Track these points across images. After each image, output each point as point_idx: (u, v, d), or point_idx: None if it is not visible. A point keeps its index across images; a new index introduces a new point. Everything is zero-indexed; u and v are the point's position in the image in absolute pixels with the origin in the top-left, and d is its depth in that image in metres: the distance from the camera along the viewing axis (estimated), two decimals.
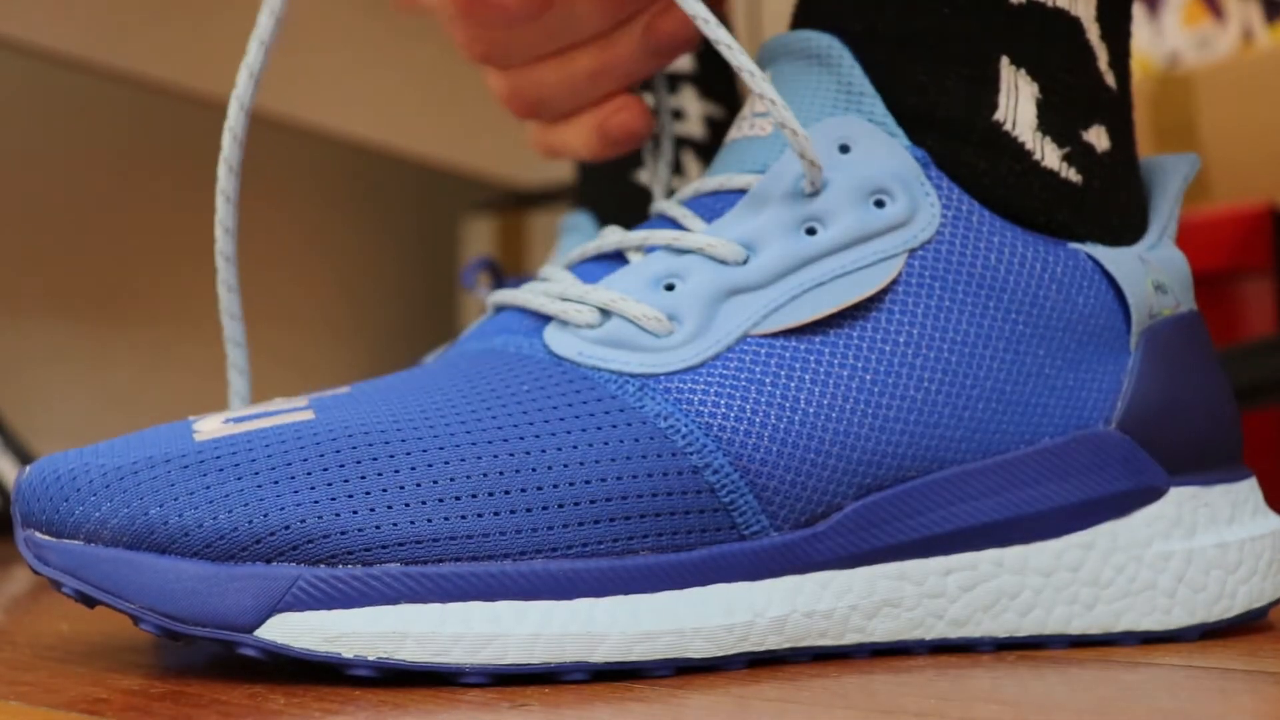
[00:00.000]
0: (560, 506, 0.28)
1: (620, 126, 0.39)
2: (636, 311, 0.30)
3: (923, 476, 0.30)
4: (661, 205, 0.33)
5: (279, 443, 0.28)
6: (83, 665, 0.29)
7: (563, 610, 0.27)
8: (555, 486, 0.28)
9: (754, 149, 0.33)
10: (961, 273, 0.31)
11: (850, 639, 0.30)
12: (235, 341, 0.34)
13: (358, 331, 1.30)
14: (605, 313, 0.31)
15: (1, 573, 0.55)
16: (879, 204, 0.31)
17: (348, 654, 0.26)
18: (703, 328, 0.30)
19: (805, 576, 0.29)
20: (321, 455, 0.27)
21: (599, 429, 0.28)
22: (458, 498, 0.27)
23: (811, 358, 0.30)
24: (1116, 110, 0.34)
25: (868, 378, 0.30)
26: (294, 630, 0.26)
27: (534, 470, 0.28)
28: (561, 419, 0.29)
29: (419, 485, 0.27)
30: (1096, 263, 0.32)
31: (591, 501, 0.28)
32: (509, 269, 1.24)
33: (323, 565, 0.26)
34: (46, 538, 0.27)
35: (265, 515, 0.26)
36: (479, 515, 0.27)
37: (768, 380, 0.30)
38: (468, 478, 0.28)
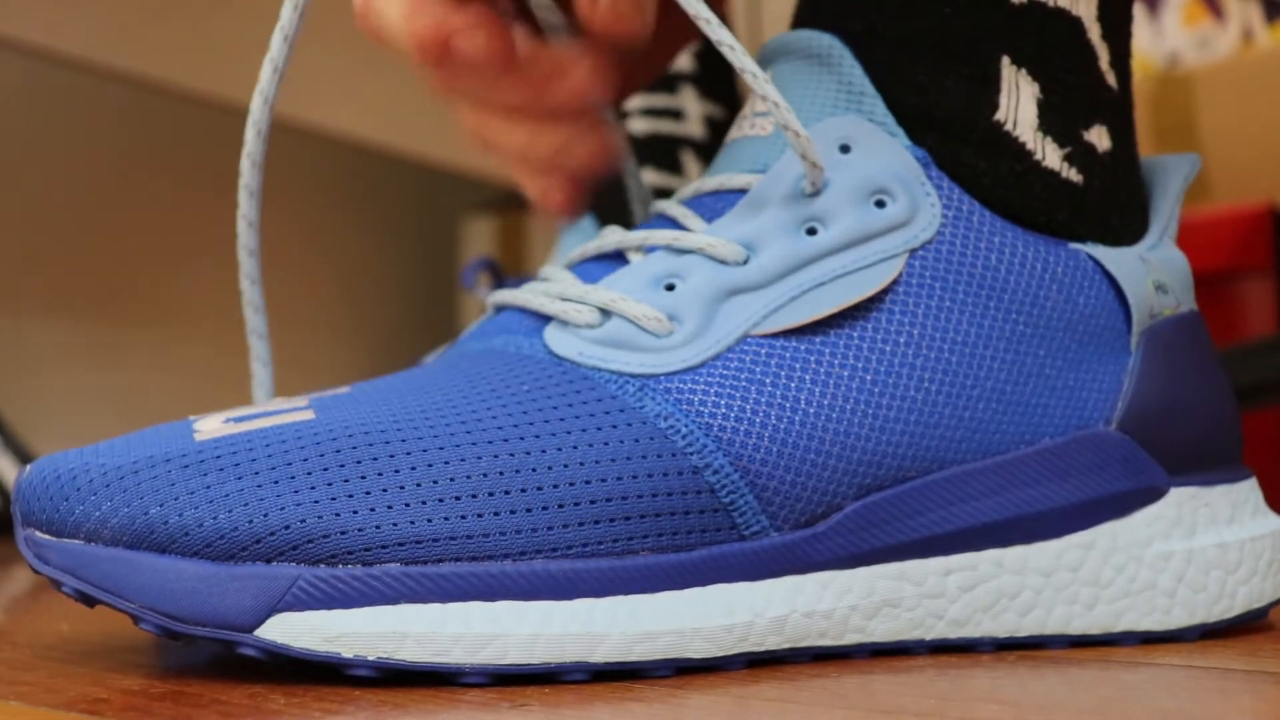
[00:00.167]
0: (560, 507, 0.28)
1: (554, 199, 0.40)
2: (637, 312, 0.30)
3: (923, 477, 0.30)
4: (662, 205, 0.33)
5: (279, 443, 0.28)
6: (83, 665, 0.29)
7: (563, 610, 0.27)
8: (555, 487, 0.28)
9: (754, 149, 0.33)
10: (962, 273, 0.31)
11: (850, 639, 0.30)
12: (258, 334, 0.35)
13: (358, 332, 1.30)
14: (605, 313, 0.31)
15: (1, 573, 0.55)
16: (879, 204, 0.31)
17: (347, 654, 0.26)
18: (703, 328, 0.30)
19: (805, 577, 0.29)
20: (322, 455, 0.27)
21: (599, 429, 0.28)
22: (458, 498, 0.27)
23: (812, 358, 0.30)
24: (1118, 110, 0.34)
25: (868, 378, 0.30)
26: (294, 630, 0.26)
27: (534, 470, 0.28)
28: (562, 419, 0.29)
29: (419, 485, 0.27)
30: (1097, 263, 0.32)
31: (591, 502, 0.28)
32: (509, 269, 1.24)
33: (323, 565, 0.26)
34: (47, 537, 0.27)
35: (265, 515, 0.26)
36: (479, 515, 0.27)
37: (768, 380, 0.30)
38: (468, 478, 0.28)
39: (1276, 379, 0.66)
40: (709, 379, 0.29)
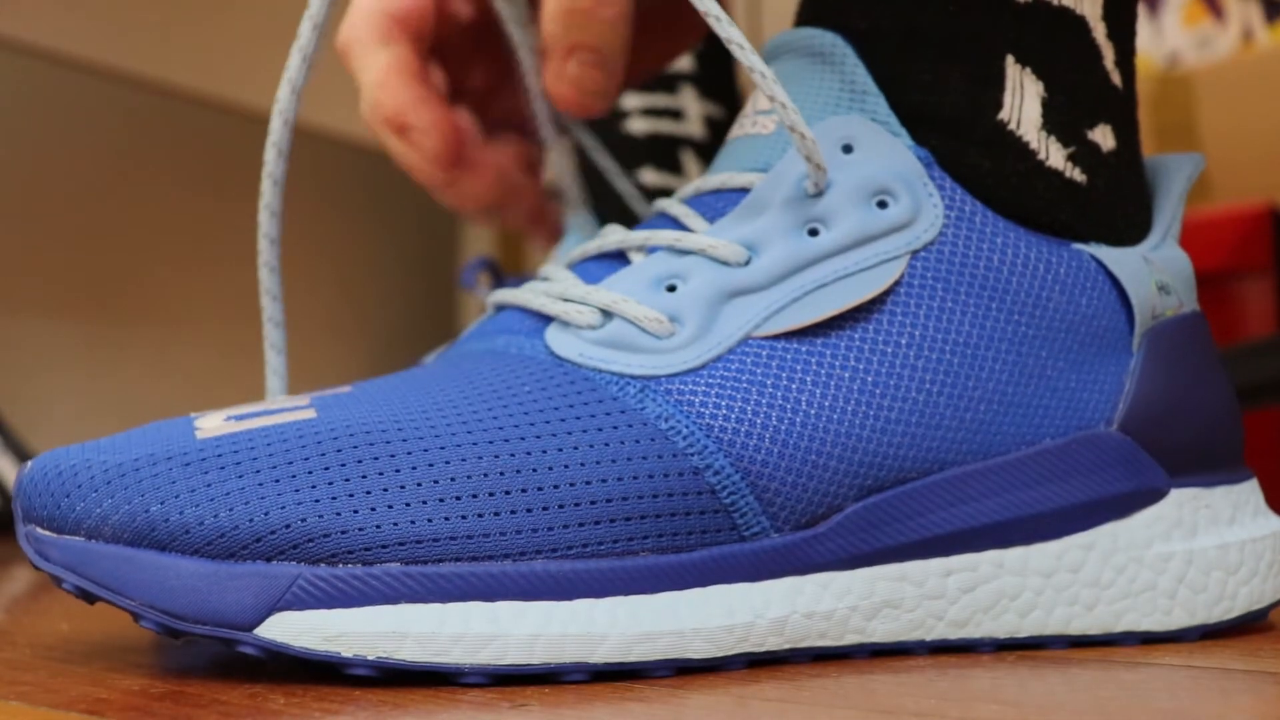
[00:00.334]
0: (561, 507, 0.28)
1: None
2: (638, 313, 0.30)
3: (924, 478, 0.30)
4: (663, 203, 0.33)
5: (280, 441, 0.28)
6: (83, 665, 0.29)
7: (563, 611, 0.27)
8: (556, 487, 0.28)
9: (756, 147, 0.33)
10: (964, 274, 0.31)
11: (850, 640, 0.30)
12: (275, 321, 0.35)
13: (358, 332, 1.30)
14: (607, 314, 0.31)
15: (2, 573, 0.55)
16: (882, 205, 0.31)
17: (347, 653, 0.26)
18: (704, 329, 0.30)
19: (805, 578, 0.29)
20: (323, 454, 0.27)
21: (600, 430, 0.28)
22: (458, 498, 0.27)
23: (813, 359, 0.30)
24: (1122, 109, 0.34)
25: (869, 379, 0.30)
26: (294, 629, 0.26)
27: (535, 471, 0.28)
28: (563, 420, 0.29)
29: (419, 485, 0.27)
30: (1100, 263, 0.32)
31: (592, 502, 0.28)
32: (509, 269, 1.24)
33: (323, 564, 0.26)
34: (48, 533, 0.27)
35: (266, 514, 0.26)
36: (479, 515, 0.27)
37: (769, 382, 0.30)
38: (468, 478, 0.28)
39: (1276, 379, 0.66)
40: (710, 380, 0.29)
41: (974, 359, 0.31)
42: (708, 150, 0.58)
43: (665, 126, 0.58)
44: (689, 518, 0.28)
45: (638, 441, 0.28)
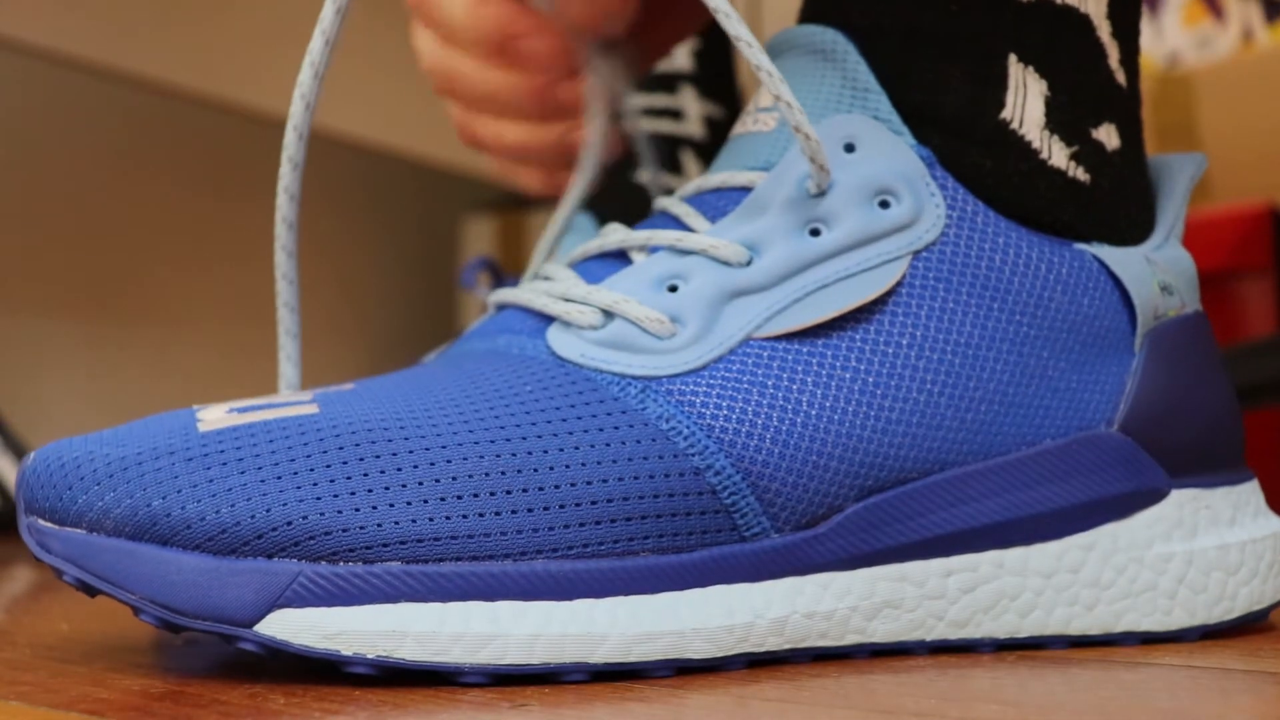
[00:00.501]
0: (561, 507, 0.28)
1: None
2: (639, 313, 0.30)
3: (924, 478, 0.30)
4: (664, 202, 0.33)
5: (283, 437, 0.28)
6: (83, 665, 0.29)
7: (563, 611, 0.27)
8: (557, 487, 0.28)
9: (757, 145, 0.33)
10: (965, 274, 0.31)
11: (850, 640, 0.30)
12: (291, 333, 0.35)
13: (358, 331, 1.30)
14: (608, 314, 0.31)
15: (2, 573, 0.55)
16: (884, 205, 0.31)
17: (346, 651, 0.26)
18: (705, 330, 0.30)
19: (806, 578, 0.29)
20: (324, 451, 0.27)
21: (601, 430, 0.28)
22: (459, 497, 0.27)
23: (814, 360, 0.30)
24: (1126, 108, 0.34)
25: (870, 380, 0.30)
26: (293, 626, 0.26)
27: (535, 471, 0.28)
28: (564, 420, 0.29)
29: (421, 484, 0.27)
30: (1102, 263, 0.32)
31: (593, 502, 0.28)
32: (509, 269, 1.24)
33: (324, 562, 0.26)
34: (49, 525, 0.27)
35: (268, 510, 0.26)
36: (480, 515, 0.27)
37: (770, 382, 0.30)
38: (469, 477, 0.28)
39: (1276, 379, 0.66)
40: (711, 381, 0.29)
41: (975, 359, 0.31)
42: (707, 150, 0.58)
43: (665, 126, 0.58)
44: (689, 518, 0.28)
45: (639, 442, 0.28)
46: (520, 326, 0.32)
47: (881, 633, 0.30)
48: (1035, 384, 0.31)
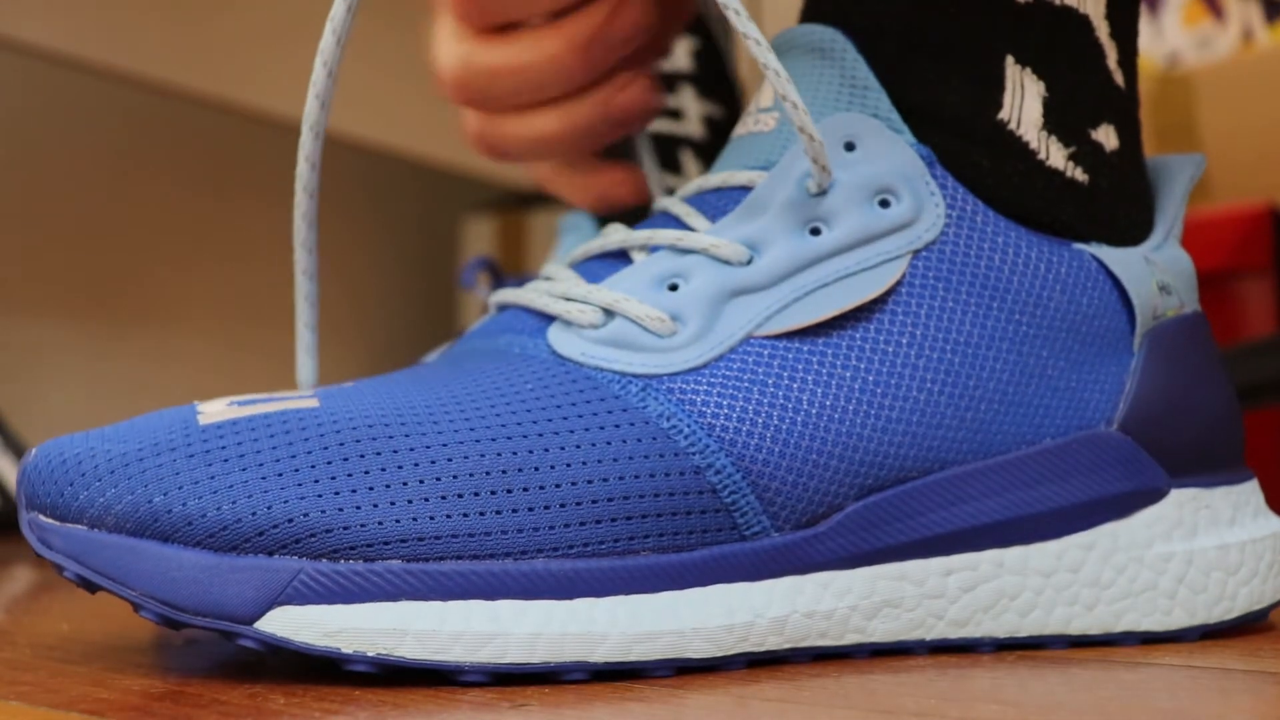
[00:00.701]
0: (562, 506, 0.28)
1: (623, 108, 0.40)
2: (640, 312, 0.30)
3: (924, 477, 0.30)
4: (664, 202, 0.33)
5: (283, 432, 0.28)
6: (83, 665, 0.29)
7: (563, 610, 0.27)
8: (557, 486, 0.28)
9: (757, 144, 0.33)
10: (965, 274, 0.31)
11: (850, 639, 0.30)
12: (309, 325, 0.35)
13: (358, 331, 1.30)
14: (609, 313, 0.31)
15: (2, 573, 0.55)
16: (884, 204, 0.31)
17: (347, 649, 0.26)
18: (706, 329, 0.30)
19: (806, 577, 0.29)
20: (325, 447, 0.27)
21: (601, 429, 0.28)
22: (460, 495, 0.27)
23: (814, 359, 0.30)
24: (1125, 109, 0.34)
25: (870, 378, 0.30)
26: (294, 624, 0.26)
27: (536, 470, 0.28)
28: (565, 419, 0.29)
29: (421, 482, 0.27)
30: (1101, 263, 0.32)
31: (593, 501, 0.28)
32: (509, 269, 1.24)
33: (325, 560, 0.26)
34: (50, 521, 0.27)
35: (269, 507, 0.27)
36: (481, 514, 0.27)
37: (770, 381, 0.30)
38: (470, 475, 0.28)
39: (1276, 379, 0.66)
40: (712, 380, 0.29)
41: (975, 358, 0.31)
42: (707, 150, 0.58)
43: (664, 126, 0.58)
44: (690, 517, 0.28)
45: (639, 440, 0.28)
46: (521, 326, 0.32)
47: (881, 632, 0.30)
48: (1035, 383, 0.31)
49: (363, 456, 0.27)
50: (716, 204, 0.32)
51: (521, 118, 0.39)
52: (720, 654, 0.28)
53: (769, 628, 0.29)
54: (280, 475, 0.27)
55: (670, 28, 0.45)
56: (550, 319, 0.31)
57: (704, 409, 0.29)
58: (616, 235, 0.33)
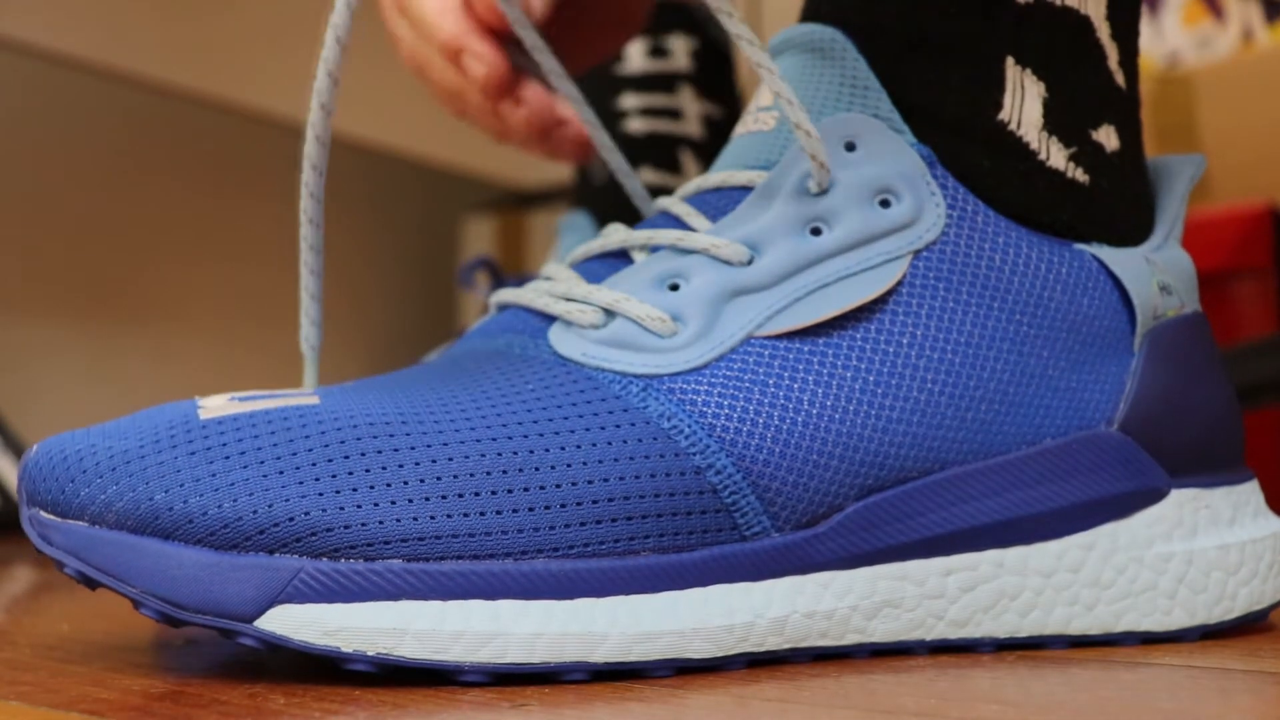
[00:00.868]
0: (563, 506, 0.28)
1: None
2: (640, 312, 0.30)
3: (924, 477, 0.30)
4: (664, 202, 0.33)
5: (284, 429, 0.28)
6: (83, 665, 0.29)
7: (563, 610, 0.27)
8: (558, 486, 0.28)
9: (757, 144, 0.33)
10: (966, 274, 0.31)
11: (850, 639, 0.30)
12: (312, 294, 0.35)
13: (358, 331, 1.30)
14: (609, 313, 0.31)
15: (2, 573, 0.55)
16: (884, 204, 0.31)
17: (347, 648, 0.26)
18: (706, 329, 0.30)
19: (806, 577, 0.29)
20: (326, 445, 0.27)
21: (602, 429, 0.28)
22: (460, 495, 0.27)
23: (815, 359, 0.30)
24: (1126, 109, 0.34)
25: (870, 379, 0.30)
26: (294, 622, 0.26)
27: (537, 469, 0.28)
28: (565, 419, 0.29)
29: (422, 481, 0.27)
30: (1102, 264, 0.32)
31: (594, 501, 0.28)
32: (509, 269, 1.24)
33: (325, 559, 0.26)
34: (51, 517, 0.27)
35: (270, 506, 0.26)
36: (481, 513, 0.27)
37: (771, 381, 0.30)
38: (471, 475, 0.28)
39: (1276, 379, 0.66)
40: (712, 380, 0.29)
41: (975, 358, 0.31)
42: (706, 150, 0.58)
43: (663, 126, 0.58)
44: (690, 517, 0.28)
45: (640, 440, 0.28)
46: (521, 326, 0.32)
47: (882, 632, 0.30)
48: (1035, 383, 0.31)
49: (364, 455, 0.27)
50: (717, 204, 0.32)
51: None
52: (720, 654, 0.28)
53: (769, 628, 0.29)
54: (281, 473, 0.27)
55: (607, 45, 0.50)
56: (551, 319, 0.31)
57: (704, 409, 0.29)
58: (617, 235, 0.33)
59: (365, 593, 0.26)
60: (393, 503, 0.27)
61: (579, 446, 0.28)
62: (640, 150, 0.57)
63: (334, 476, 0.27)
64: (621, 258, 0.32)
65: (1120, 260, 0.32)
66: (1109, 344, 0.32)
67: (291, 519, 0.26)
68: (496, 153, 1.40)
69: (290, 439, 0.28)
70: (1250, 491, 0.34)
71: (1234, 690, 0.26)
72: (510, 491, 0.27)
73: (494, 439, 0.28)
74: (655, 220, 0.33)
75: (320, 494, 0.27)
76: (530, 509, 0.27)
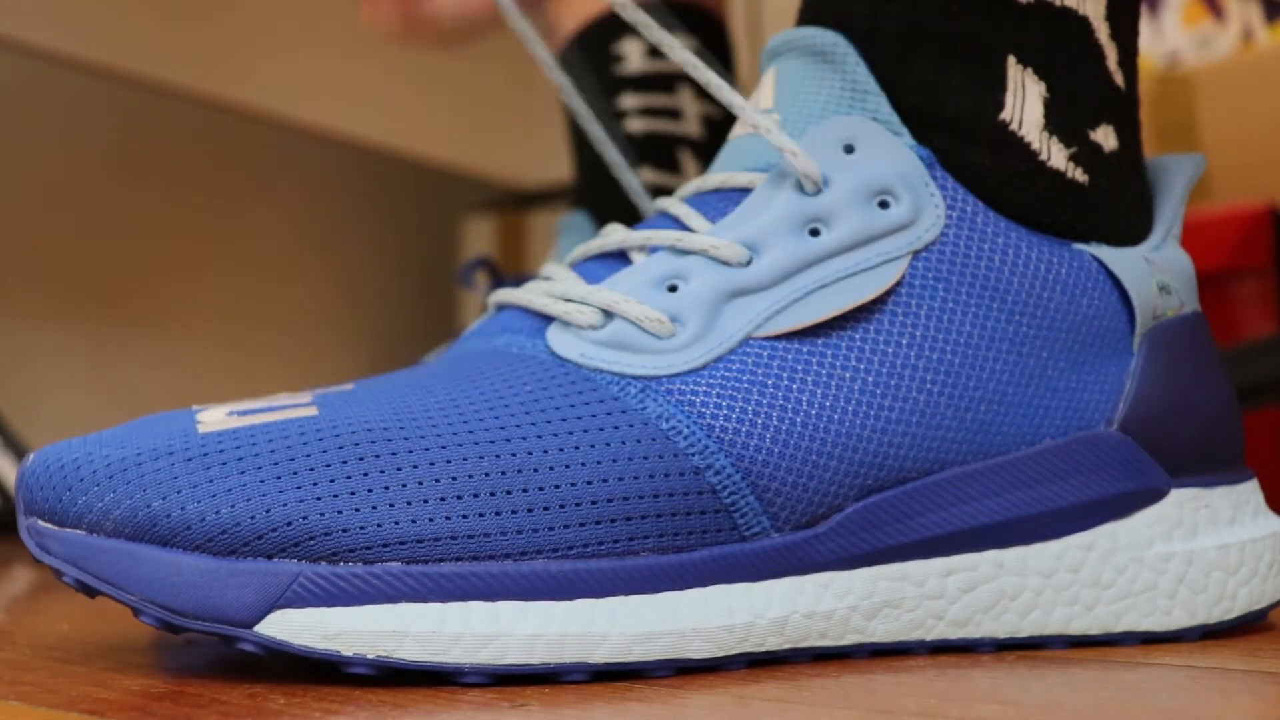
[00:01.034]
0: (562, 507, 0.28)
1: None
2: (639, 313, 0.30)
3: (924, 477, 0.30)
4: (664, 202, 0.33)
5: (282, 438, 0.28)
6: (83, 665, 0.29)
7: (563, 610, 0.27)
8: (557, 487, 0.28)
9: (757, 145, 0.33)
10: (965, 274, 0.31)
11: (850, 640, 0.30)
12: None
13: (358, 331, 1.30)
14: (608, 314, 0.31)
15: (2, 573, 0.55)
16: (883, 205, 0.31)
17: (347, 652, 0.26)
18: (705, 330, 0.30)
19: (806, 577, 0.29)
20: (324, 451, 0.27)
21: (601, 430, 0.28)
22: (459, 497, 0.27)
23: (814, 359, 0.30)
24: (1124, 109, 0.34)
25: (870, 379, 0.30)
26: (293, 627, 0.26)
27: (535, 471, 0.28)
28: (564, 420, 0.29)
29: (420, 484, 0.27)
30: (1101, 264, 0.32)
31: (593, 502, 0.28)
32: (509, 269, 1.24)
33: (324, 562, 0.26)
34: (49, 526, 0.27)
35: (268, 511, 0.26)
36: (480, 515, 0.27)
37: (770, 382, 0.30)
38: (469, 477, 0.28)
39: (1276, 379, 0.66)
40: (711, 381, 0.29)
41: (975, 359, 0.31)
42: (706, 150, 0.58)
43: (663, 126, 0.58)
44: (689, 518, 0.28)
45: (639, 441, 0.28)
46: (520, 326, 0.32)
47: (881, 632, 0.30)
48: (1035, 383, 0.31)
49: (361, 459, 0.27)
50: (716, 205, 0.32)
51: None
52: (720, 654, 0.28)
53: (769, 628, 0.29)
54: (279, 479, 0.27)
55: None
56: (549, 320, 0.31)
57: (703, 410, 0.29)
58: (616, 236, 0.33)
59: (365, 596, 0.26)
60: (391, 505, 0.27)
61: (577, 448, 0.28)
62: (639, 150, 0.57)
63: (332, 481, 0.27)
64: (620, 258, 0.32)
65: (1120, 260, 0.32)
66: (1108, 344, 0.32)
67: (289, 523, 0.26)
68: (496, 153, 1.40)
69: (288, 446, 0.28)
70: (1250, 491, 0.34)
71: (1234, 690, 0.26)
72: (509, 493, 0.27)
73: (492, 441, 0.28)
74: (654, 221, 0.33)
75: (318, 498, 0.27)
76: (529, 510, 0.27)
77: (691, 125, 0.58)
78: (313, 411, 0.29)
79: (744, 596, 0.29)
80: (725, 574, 0.29)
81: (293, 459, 0.27)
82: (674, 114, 0.58)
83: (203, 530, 0.26)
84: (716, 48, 0.60)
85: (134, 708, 0.25)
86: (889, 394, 0.30)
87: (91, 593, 0.27)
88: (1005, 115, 0.32)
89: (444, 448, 0.28)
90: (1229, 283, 0.80)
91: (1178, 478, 0.32)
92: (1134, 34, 0.35)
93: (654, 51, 0.58)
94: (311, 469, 0.27)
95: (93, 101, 1.06)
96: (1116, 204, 0.33)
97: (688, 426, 0.29)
